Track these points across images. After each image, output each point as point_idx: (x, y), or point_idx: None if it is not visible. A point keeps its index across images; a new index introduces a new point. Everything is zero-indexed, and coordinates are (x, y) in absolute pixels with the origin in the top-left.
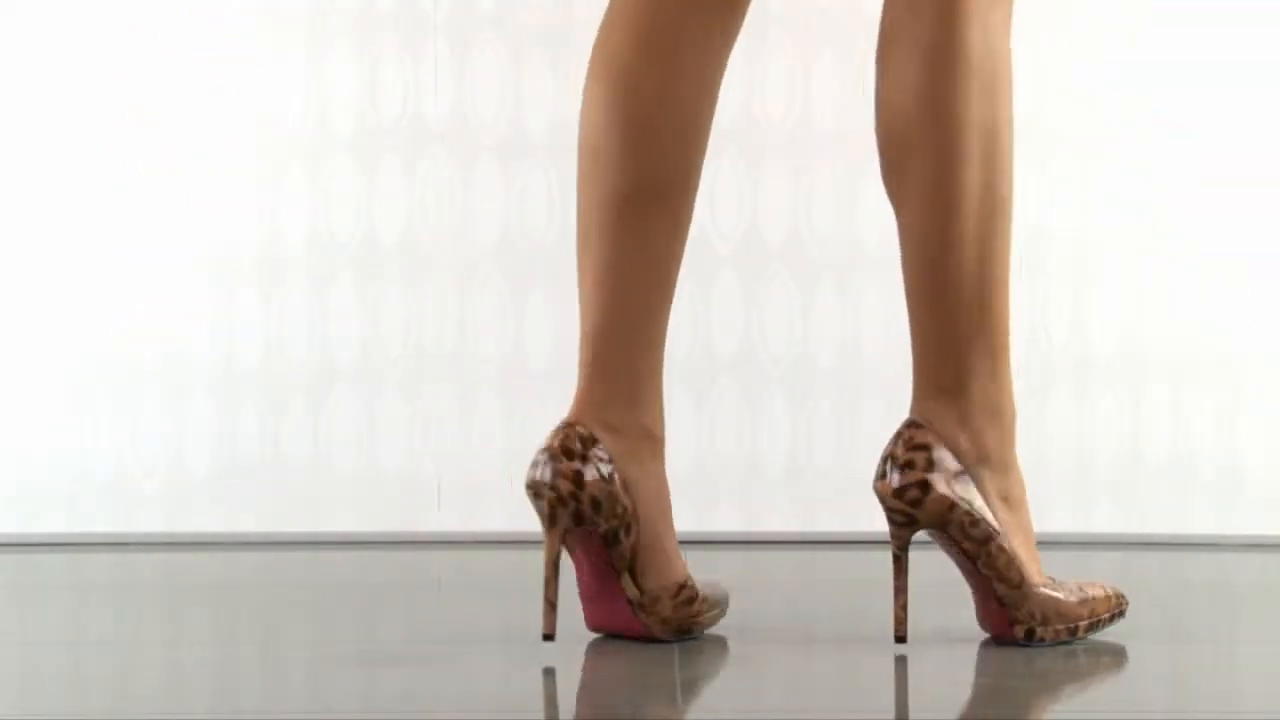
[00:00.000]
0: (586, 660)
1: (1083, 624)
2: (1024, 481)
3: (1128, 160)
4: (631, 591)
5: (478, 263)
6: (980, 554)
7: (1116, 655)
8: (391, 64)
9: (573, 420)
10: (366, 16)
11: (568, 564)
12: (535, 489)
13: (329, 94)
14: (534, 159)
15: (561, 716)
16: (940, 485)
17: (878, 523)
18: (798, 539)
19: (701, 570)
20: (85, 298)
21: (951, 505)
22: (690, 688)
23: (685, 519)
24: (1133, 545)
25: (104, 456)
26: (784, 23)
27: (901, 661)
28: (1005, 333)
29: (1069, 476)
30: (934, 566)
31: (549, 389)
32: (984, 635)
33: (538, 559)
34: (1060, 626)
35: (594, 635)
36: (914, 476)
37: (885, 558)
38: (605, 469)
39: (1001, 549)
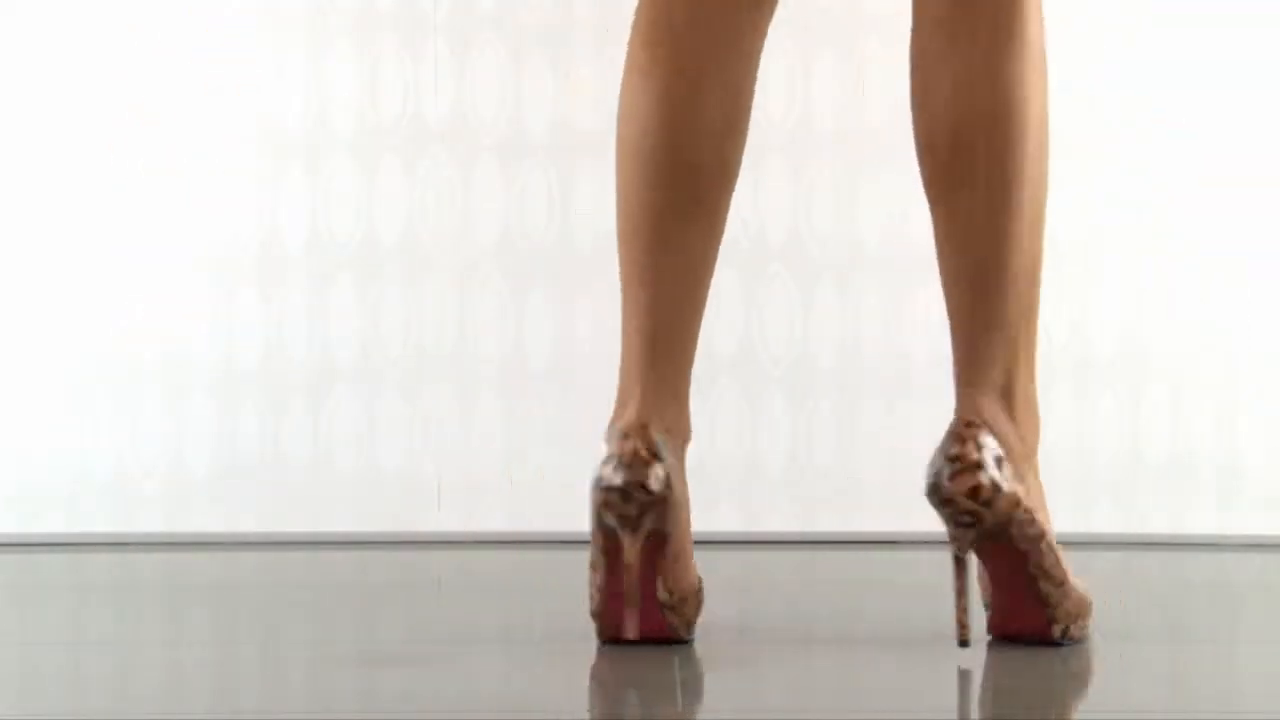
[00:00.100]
0: (586, 660)
1: (1089, 621)
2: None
3: (1128, 160)
4: (663, 594)
5: (478, 263)
6: (1033, 552)
7: (1116, 655)
8: (391, 64)
9: (642, 422)
10: (366, 16)
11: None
12: (622, 492)
13: (329, 94)
14: (534, 159)
15: (562, 717)
16: (1007, 484)
17: (877, 523)
18: (798, 539)
19: (700, 571)
20: (85, 298)
21: (1017, 503)
22: (690, 688)
23: None
24: (1133, 545)
25: (104, 456)
26: (784, 23)
27: (901, 662)
28: (1037, 329)
29: (1069, 476)
30: (934, 566)
31: (549, 389)
32: (981, 635)
33: (538, 559)
34: (1084, 623)
35: (593, 635)
36: (985, 476)
37: (884, 557)
38: (673, 471)
39: (1050, 546)
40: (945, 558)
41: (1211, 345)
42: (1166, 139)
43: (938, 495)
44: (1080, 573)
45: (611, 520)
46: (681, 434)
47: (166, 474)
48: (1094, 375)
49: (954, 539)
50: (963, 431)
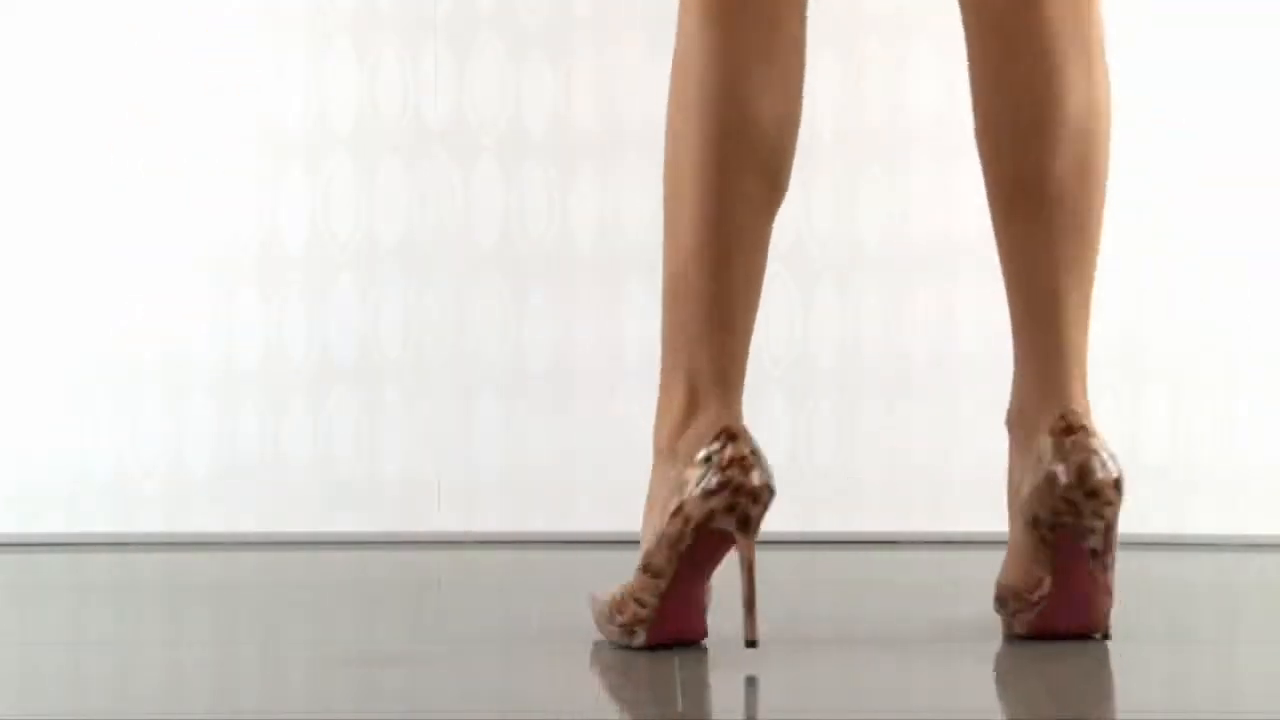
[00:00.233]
0: (587, 660)
1: None
2: None
3: (1128, 160)
4: (708, 596)
5: (478, 263)
6: (1113, 536)
7: (1117, 655)
8: (391, 64)
9: (740, 425)
10: (366, 16)
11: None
12: (754, 494)
13: (329, 94)
14: (534, 159)
15: (562, 717)
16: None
17: (877, 523)
18: (798, 539)
19: None
20: (85, 298)
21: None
22: (690, 688)
23: None
24: (1132, 545)
25: (104, 456)
26: None
27: (900, 662)
28: None
29: None
30: (932, 566)
31: (549, 389)
32: (981, 635)
33: (538, 559)
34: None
35: (595, 636)
36: (1118, 467)
37: (884, 557)
38: None
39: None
40: (944, 558)
41: (1211, 345)
42: (1166, 139)
43: (1086, 486)
44: None
45: (729, 523)
46: None
47: (166, 474)
48: (1094, 375)
49: (1089, 531)
50: (1088, 424)
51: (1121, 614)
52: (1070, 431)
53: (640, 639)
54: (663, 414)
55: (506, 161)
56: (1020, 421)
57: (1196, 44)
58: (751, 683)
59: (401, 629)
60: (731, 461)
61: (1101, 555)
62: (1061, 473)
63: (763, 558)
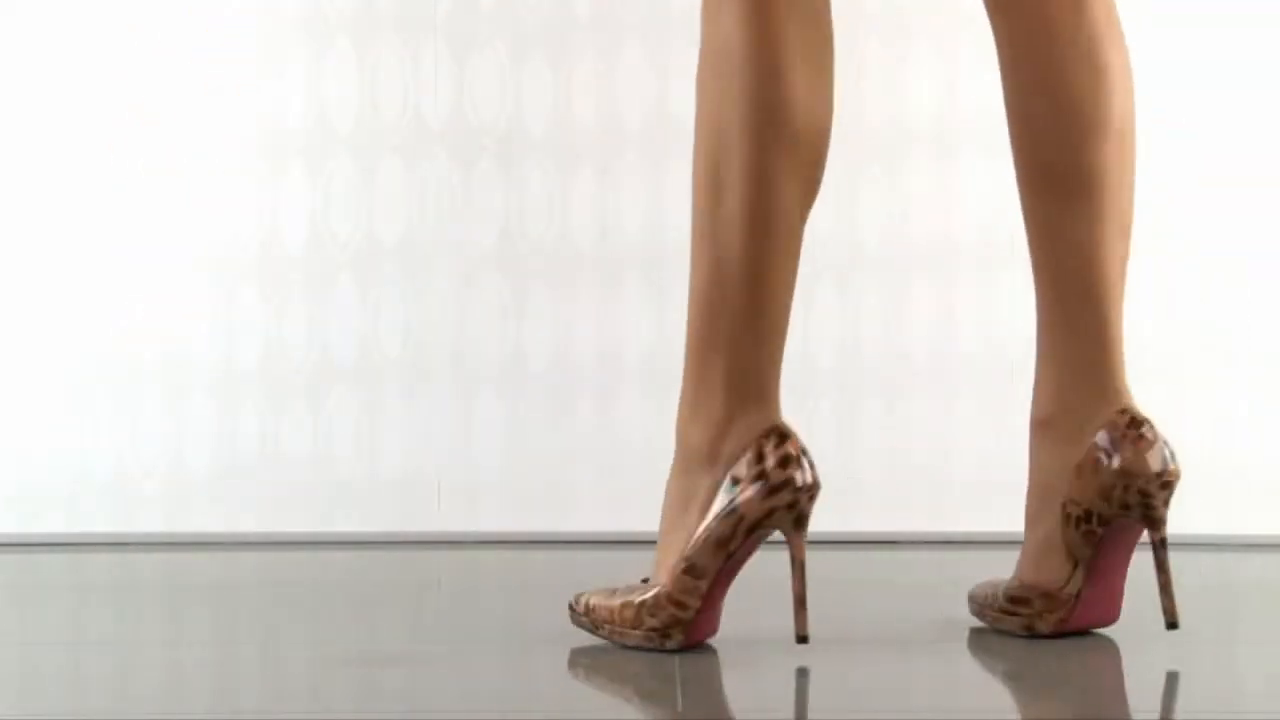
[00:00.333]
0: (587, 660)
1: None
2: None
3: None
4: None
5: (478, 263)
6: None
7: (1117, 655)
8: (391, 64)
9: (788, 425)
10: (366, 16)
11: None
12: (810, 493)
13: (329, 94)
14: (534, 159)
15: (562, 717)
16: None
17: (877, 523)
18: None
19: None
20: (85, 298)
21: None
22: (690, 688)
23: None
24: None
25: (104, 456)
26: None
27: (900, 662)
28: None
29: None
30: (932, 566)
31: (549, 389)
32: (981, 634)
33: (538, 559)
34: None
35: (596, 637)
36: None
37: (884, 557)
38: None
39: None
40: (944, 558)
41: (1211, 345)
42: (1166, 139)
43: (1163, 478)
44: None
45: (787, 521)
46: None
47: (166, 474)
48: None
49: (1162, 521)
50: (1149, 418)
51: (1121, 614)
52: (1136, 424)
53: (676, 641)
54: (696, 417)
55: (506, 161)
56: (1064, 418)
57: (1196, 44)
58: (751, 683)
59: (401, 629)
60: (788, 460)
61: (1166, 545)
62: (1137, 466)
63: (763, 558)
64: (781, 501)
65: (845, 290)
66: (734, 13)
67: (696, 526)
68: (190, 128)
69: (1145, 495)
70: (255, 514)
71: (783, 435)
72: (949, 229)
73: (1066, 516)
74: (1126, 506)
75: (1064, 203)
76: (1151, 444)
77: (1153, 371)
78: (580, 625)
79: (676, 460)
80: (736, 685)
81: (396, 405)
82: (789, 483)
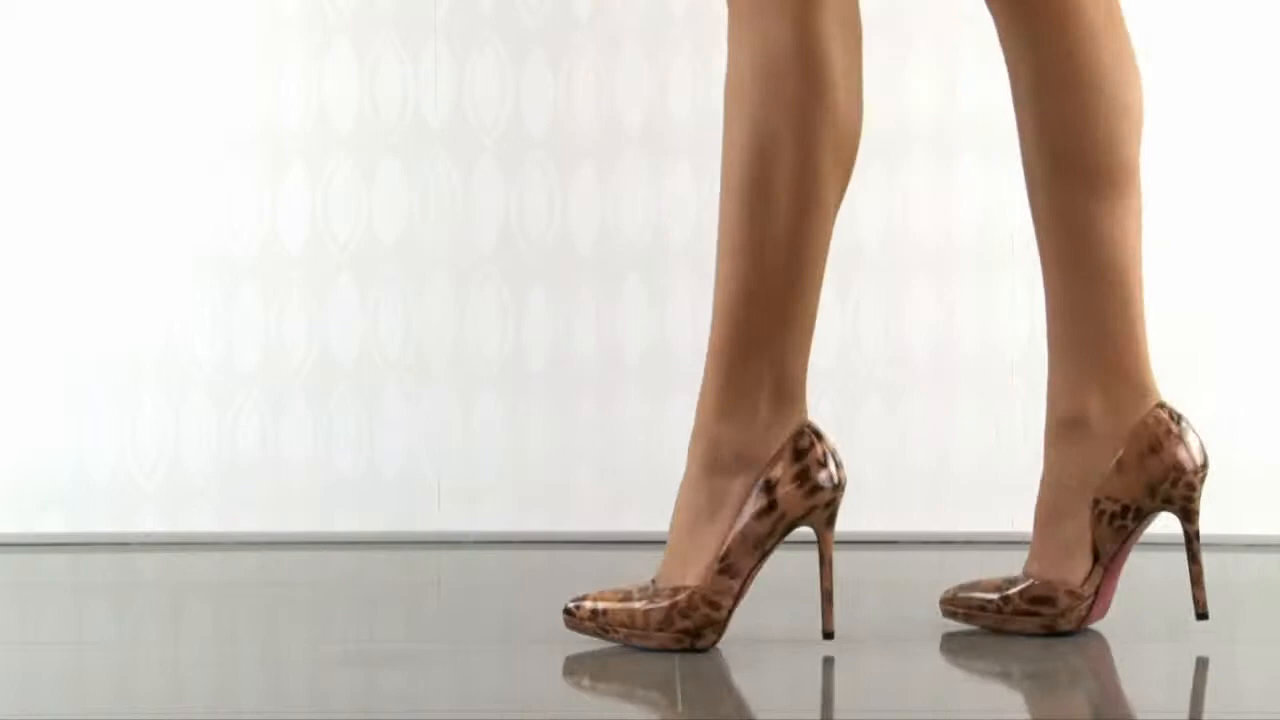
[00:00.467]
0: (587, 660)
1: None
2: None
3: None
4: None
5: (478, 263)
6: None
7: (1116, 655)
8: (391, 64)
9: (816, 424)
10: (366, 16)
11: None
12: (843, 491)
13: (329, 94)
14: (534, 159)
15: (562, 717)
16: None
17: (877, 523)
18: (798, 539)
19: None
20: (85, 298)
21: None
22: (691, 688)
23: None
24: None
25: (104, 456)
26: None
27: (900, 662)
28: None
29: None
30: (932, 566)
31: (549, 389)
32: (980, 634)
33: (538, 559)
34: None
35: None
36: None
37: (884, 557)
38: None
39: None
40: (944, 558)
41: (1211, 345)
42: (1166, 139)
43: (1205, 470)
44: None
45: (823, 519)
46: None
47: (166, 474)
48: None
49: (1198, 514)
50: (1178, 412)
51: (1121, 614)
52: (1176, 419)
53: (708, 642)
54: (728, 420)
55: (506, 161)
56: (1097, 415)
57: (1196, 44)
58: (751, 683)
59: (401, 629)
60: (825, 459)
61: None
62: (1187, 459)
63: None
64: (821, 500)
65: (845, 290)
66: (780, 16)
67: (731, 527)
68: (190, 127)
69: (1190, 488)
70: (255, 514)
71: (816, 434)
72: (949, 229)
73: (1099, 513)
74: (1169, 501)
75: (1097, 194)
76: (1194, 436)
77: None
78: (582, 630)
79: (700, 464)
80: (735, 685)
81: (396, 405)
82: (830, 482)
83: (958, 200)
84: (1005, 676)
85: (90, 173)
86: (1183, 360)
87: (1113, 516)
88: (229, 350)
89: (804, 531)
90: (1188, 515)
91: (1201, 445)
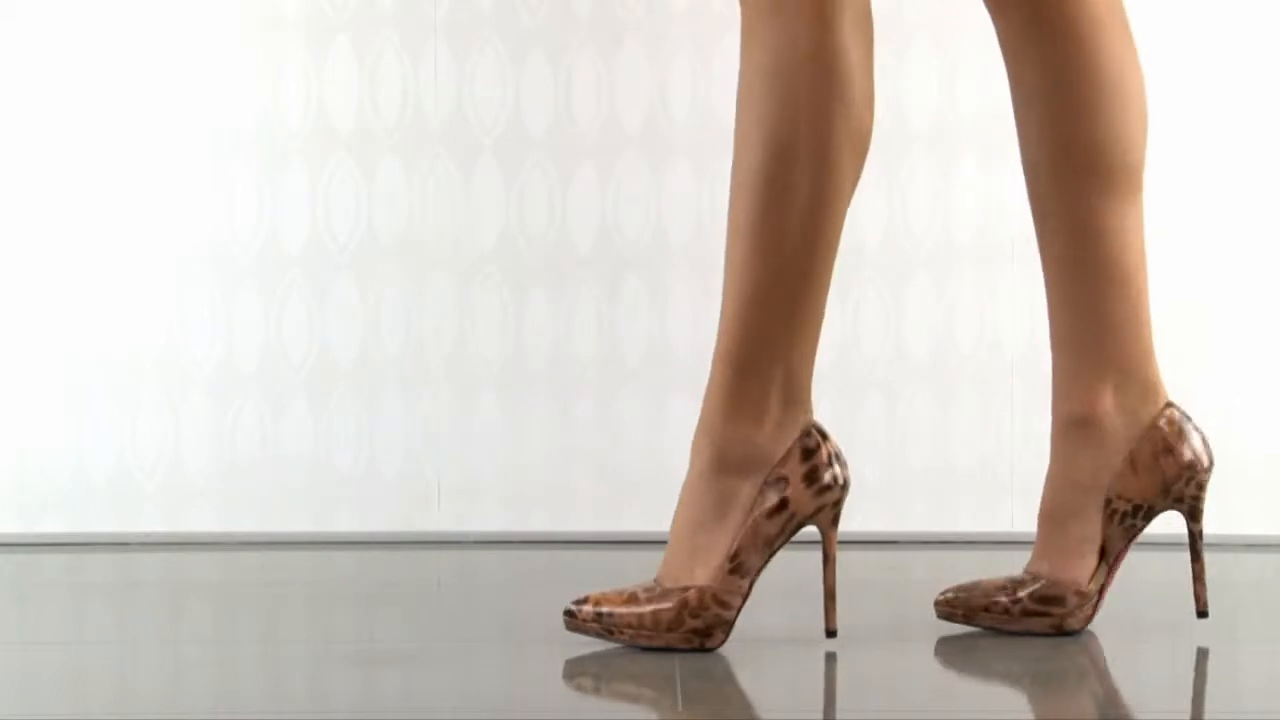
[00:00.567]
0: (587, 660)
1: None
2: None
3: None
4: None
5: (478, 263)
6: None
7: (1116, 655)
8: (391, 64)
9: (819, 422)
10: (366, 16)
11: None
12: (848, 490)
13: (329, 94)
14: (534, 159)
15: (561, 717)
16: None
17: (877, 523)
18: (798, 539)
19: None
20: (85, 297)
21: None
22: (691, 688)
23: None
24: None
25: (104, 456)
26: None
27: (899, 662)
28: None
29: None
30: (932, 566)
31: (549, 389)
32: (980, 634)
33: (538, 559)
34: None
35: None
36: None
37: (884, 558)
38: None
39: None
40: (944, 558)
41: (1211, 345)
42: (1167, 139)
43: (1211, 469)
44: None
45: (829, 518)
46: None
47: (166, 474)
48: None
49: (1203, 512)
50: (1181, 411)
51: (1121, 614)
52: (1186, 418)
53: (717, 640)
54: (735, 421)
55: (506, 161)
56: (1108, 414)
57: (1196, 44)
58: (751, 683)
59: (401, 629)
60: (833, 459)
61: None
62: (1199, 459)
63: None
64: (829, 499)
65: (845, 290)
66: (800, 14)
67: (740, 527)
68: (190, 127)
69: (1199, 488)
70: (255, 514)
71: (822, 433)
72: (949, 229)
73: (1111, 513)
74: (1181, 500)
75: (1107, 191)
76: (1200, 438)
77: None
78: (585, 632)
79: (707, 464)
80: (736, 686)
81: (396, 405)
82: (837, 481)
83: (958, 200)
84: (1006, 676)
85: (90, 172)
86: (1181, 358)
87: (1124, 516)
88: (229, 350)
89: (803, 531)
90: (1194, 514)
91: (1207, 444)
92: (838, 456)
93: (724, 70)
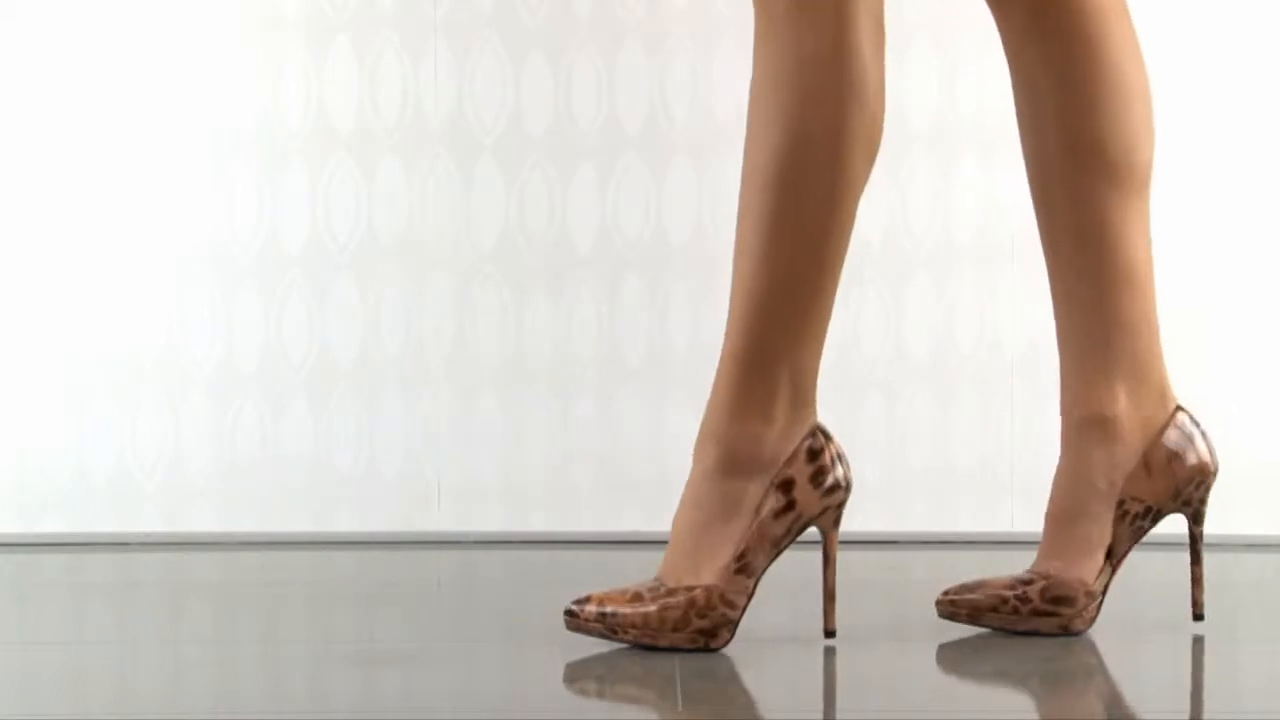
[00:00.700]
0: (588, 660)
1: None
2: None
3: None
4: None
5: (478, 263)
6: None
7: (1117, 654)
8: (391, 64)
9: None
10: (366, 16)
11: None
12: (849, 487)
13: (329, 94)
14: (534, 159)
15: (562, 717)
16: None
17: (876, 523)
18: (798, 539)
19: None
20: (85, 297)
21: None
22: (691, 688)
23: None
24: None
25: (104, 456)
26: None
27: (900, 662)
28: None
29: None
30: (932, 566)
31: (549, 389)
32: (980, 634)
33: (537, 559)
34: None
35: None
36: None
37: (884, 558)
38: None
39: None
40: (944, 558)
41: (1211, 345)
42: (1167, 139)
43: (1217, 473)
44: None
45: (831, 519)
46: None
47: (166, 474)
48: None
49: (1205, 515)
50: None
51: (1121, 614)
52: (1195, 423)
53: (722, 640)
54: (742, 421)
55: (506, 161)
56: (1122, 416)
57: (1196, 44)
58: (751, 683)
59: (401, 629)
60: (836, 460)
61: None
62: (1209, 463)
63: None
64: (835, 501)
65: (845, 290)
66: (820, 19)
67: (746, 527)
68: (190, 127)
69: (1207, 491)
70: (255, 514)
71: (826, 435)
72: (949, 229)
73: (1123, 513)
74: (1188, 503)
75: (1118, 189)
76: (1208, 442)
77: None
78: (587, 632)
79: (713, 464)
80: (736, 686)
81: (396, 405)
82: (841, 481)
83: (958, 200)
84: (1006, 676)
85: (90, 172)
86: (1181, 359)
87: (1135, 517)
88: (229, 350)
89: (804, 532)
90: (1197, 518)
91: (1214, 450)
92: (841, 457)
93: (724, 70)
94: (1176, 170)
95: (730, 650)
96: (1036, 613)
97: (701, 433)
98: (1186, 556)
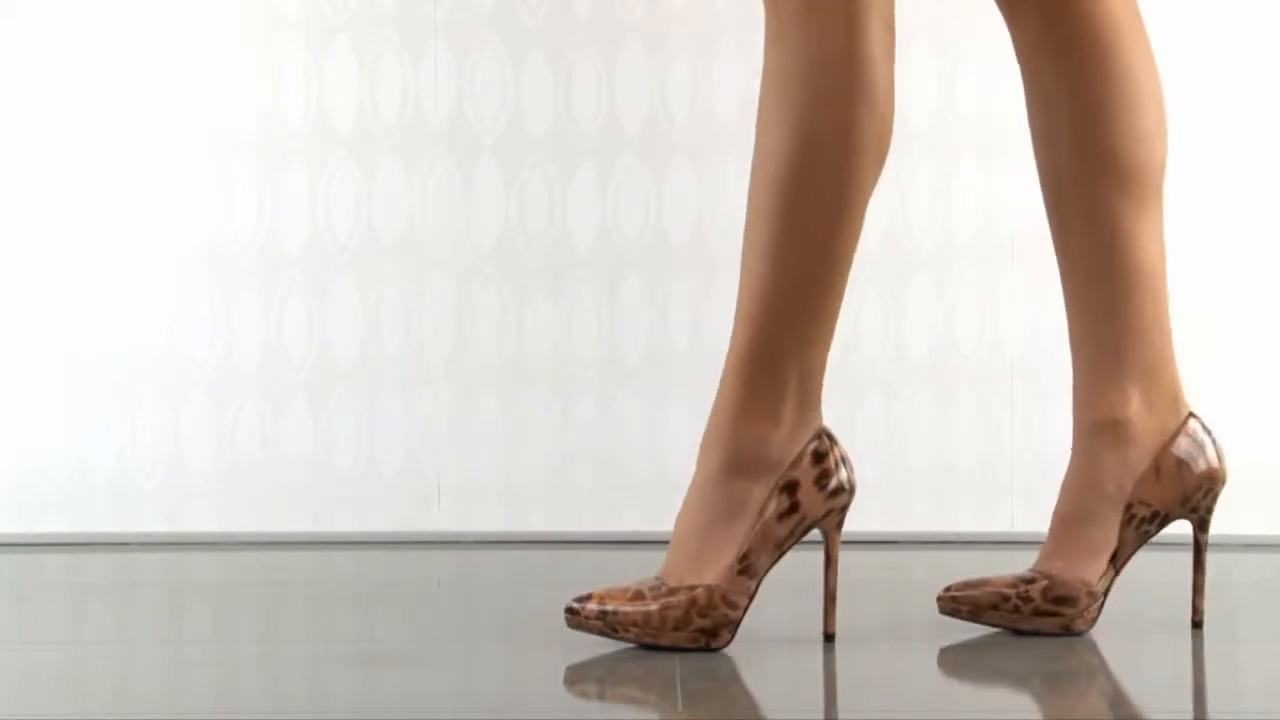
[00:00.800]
0: (588, 660)
1: None
2: None
3: None
4: None
5: (478, 263)
6: None
7: (1117, 655)
8: (391, 64)
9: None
10: (366, 16)
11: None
12: (853, 490)
13: (329, 94)
14: (534, 159)
15: (562, 717)
16: None
17: (876, 523)
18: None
19: None
20: (85, 297)
21: None
22: (692, 688)
23: None
24: None
25: (104, 456)
26: None
27: (900, 662)
28: None
29: None
30: (932, 566)
31: (549, 389)
32: (981, 634)
33: (537, 559)
34: None
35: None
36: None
37: (884, 557)
38: None
39: None
40: (944, 558)
41: (1211, 345)
42: (1175, 143)
43: (1225, 480)
44: None
45: (835, 521)
46: None
47: (166, 474)
48: None
49: (1209, 525)
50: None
51: (1120, 614)
52: (1207, 430)
53: (723, 640)
54: (748, 423)
55: (506, 161)
56: (1136, 421)
57: (1196, 44)
58: (751, 683)
59: (401, 629)
60: (841, 463)
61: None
62: (1218, 471)
63: None
64: (839, 504)
65: (846, 290)
66: (831, 20)
67: (750, 528)
68: (190, 127)
69: (1215, 499)
70: (255, 514)
71: (831, 438)
72: (949, 229)
73: (1130, 517)
74: (1196, 510)
75: (1126, 193)
76: (1216, 449)
77: None
78: (587, 630)
79: (719, 465)
80: (736, 686)
81: (396, 405)
82: (845, 485)
83: (958, 200)
84: (1006, 676)
85: (89, 172)
86: (1182, 360)
87: (1141, 521)
88: (229, 350)
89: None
90: (1203, 525)
91: (1223, 458)
92: (846, 460)
93: (724, 70)
94: (1182, 174)
95: (731, 650)
96: (1038, 612)
97: (706, 436)
98: (1187, 556)
